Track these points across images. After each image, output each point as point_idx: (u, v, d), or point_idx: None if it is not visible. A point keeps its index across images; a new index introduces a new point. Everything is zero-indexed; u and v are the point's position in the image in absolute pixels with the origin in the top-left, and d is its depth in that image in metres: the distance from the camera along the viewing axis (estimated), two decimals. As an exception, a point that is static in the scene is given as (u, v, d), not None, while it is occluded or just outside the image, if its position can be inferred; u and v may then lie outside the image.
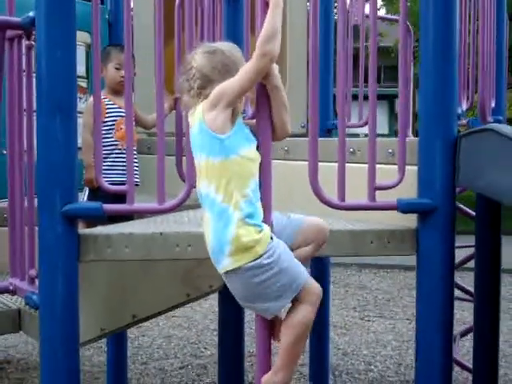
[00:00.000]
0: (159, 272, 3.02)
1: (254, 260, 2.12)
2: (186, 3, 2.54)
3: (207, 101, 2.16)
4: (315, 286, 2.22)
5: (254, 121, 2.27)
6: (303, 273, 2.20)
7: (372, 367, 5.31)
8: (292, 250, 2.24)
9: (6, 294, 2.76)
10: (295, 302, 2.20)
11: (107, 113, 3.60)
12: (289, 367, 2.23)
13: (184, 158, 2.55)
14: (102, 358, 5.25)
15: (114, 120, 3.63)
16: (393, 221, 2.63)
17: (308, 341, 4.33)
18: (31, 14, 2.43)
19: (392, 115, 24.54)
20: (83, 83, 4.35)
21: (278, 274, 2.14)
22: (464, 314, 5.96)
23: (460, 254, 3.87)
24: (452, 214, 2.53)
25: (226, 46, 2.27)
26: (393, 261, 8.66)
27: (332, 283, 6.65)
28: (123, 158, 3.30)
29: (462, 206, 4.21)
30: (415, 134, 3.12)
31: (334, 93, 3.86)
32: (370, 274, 9.02)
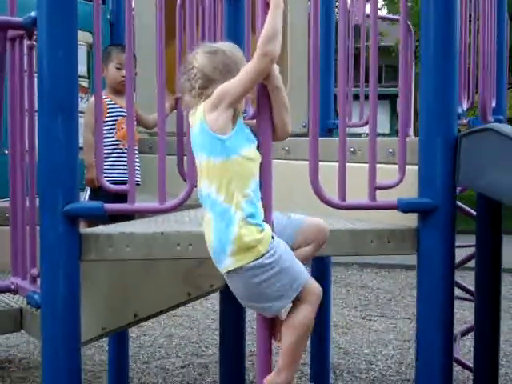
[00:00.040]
0: (160, 271, 3.02)
1: (256, 259, 2.13)
2: (187, 3, 2.54)
3: (208, 101, 2.17)
4: (315, 286, 2.23)
5: (255, 121, 2.27)
6: (304, 273, 2.21)
7: (373, 366, 5.31)
8: (292, 249, 2.25)
9: (7, 293, 2.76)
10: (296, 301, 2.20)
11: (108, 112, 3.61)
12: (291, 367, 2.23)
13: (185, 157, 2.56)
14: (103, 357, 5.26)
15: (115, 120, 3.64)
16: (393, 220, 2.63)
17: (309, 340, 4.33)
18: (33, 14, 2.43)
19: (393, 115, 24.55)
20: (85, 83, 4.35)
21: (279, 273, 2.15)
22: (465, 314, 5.96)
23: (461, 254, 3.88)
24: (452, 213, 2.54)
25: (227, 47, 2.28)
26: (394, 260, 8.67)
27: (333, 283, 6.66)
28: (124, 157, 3.30)
29: (462, 205, 4.21)
30: (416, 133, 3.12)
31: (335, 92, 3.86)
32: (371, 273, 9.02)
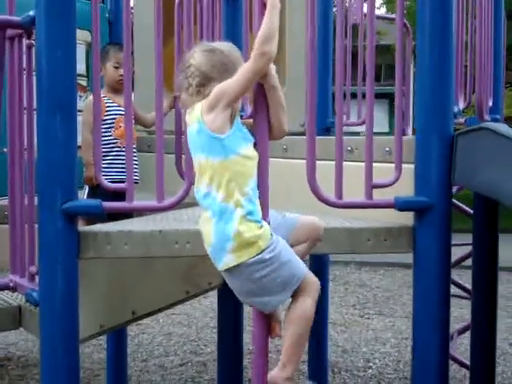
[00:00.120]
0: (158, 269, 3.03)
1: (257, 255, 2.15)
2: (185, 2, 2.55)
3: (206, 101, 2.18)
4: (314, 280, 2.25)
5: (252, 120, 2.29)
6: (302, 267, 2.23)
7: (371, 364, 5.32)
8: (289, 247, 2.27)
9: (6, 291, 2.77)
10: (296, 295, 2.23)
11: (106, 111, 3.61)
12: (294, 361, 2.26)
13: (183, 156, 2.57)
14: (102, 355, 5.26)
15: (114, 118, 3.65)
16: (390, 218, 2.64)
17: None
18: (31, 13, 2.44)
19: (392, 113, 24.51)
20: (83, 81, 4.36)
21: (279, 268, 2.17)
22: (463, 312, 5.96)
23: (458, 252, 3.90)
24: (448, 211, 2.55)
25: (224, 46, 2.29)
26: (392, 259, 8.68)
27: (332, 281, 6.68)
28: (122, 155, 3.31)
29: (459, 203, 4.22)
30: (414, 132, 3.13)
31: (333, 91, 3.87)
32: (369, 271, 9.03)
